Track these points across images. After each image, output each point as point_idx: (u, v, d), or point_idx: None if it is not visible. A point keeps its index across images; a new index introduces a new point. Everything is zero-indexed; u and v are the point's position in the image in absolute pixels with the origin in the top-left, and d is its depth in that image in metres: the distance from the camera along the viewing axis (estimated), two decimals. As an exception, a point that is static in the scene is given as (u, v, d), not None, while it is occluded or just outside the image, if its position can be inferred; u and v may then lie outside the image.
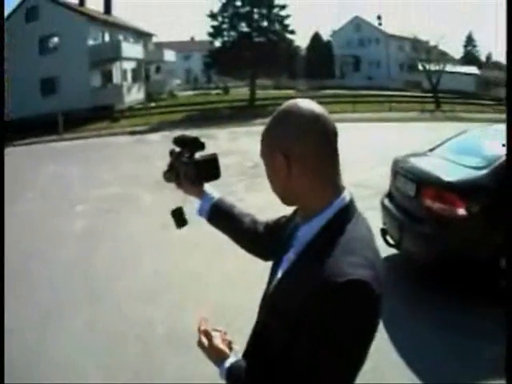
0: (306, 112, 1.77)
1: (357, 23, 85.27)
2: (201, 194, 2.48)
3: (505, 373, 3.47)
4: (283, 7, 45.70)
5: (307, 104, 1.81)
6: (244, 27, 45.59)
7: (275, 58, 41.93)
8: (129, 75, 50.91)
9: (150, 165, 16.25)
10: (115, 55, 45.29)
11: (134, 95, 50.04)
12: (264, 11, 45.08)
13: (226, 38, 46.03)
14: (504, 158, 6.17)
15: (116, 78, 48.01)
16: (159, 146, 19.55)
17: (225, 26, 45.79)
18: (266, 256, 2.41)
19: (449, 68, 53.96)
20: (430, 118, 35.80)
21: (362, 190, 11.07)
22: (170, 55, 60.14)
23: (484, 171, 6.62)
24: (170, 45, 70.69)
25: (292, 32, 46.73)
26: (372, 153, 17.65)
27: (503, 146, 6.14)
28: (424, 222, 6.81)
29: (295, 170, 1.76)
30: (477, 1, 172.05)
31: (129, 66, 50.50)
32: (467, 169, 6.87)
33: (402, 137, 21.64)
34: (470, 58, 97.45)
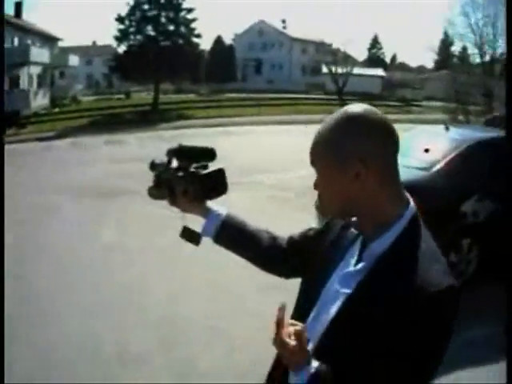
0: (377, 119, 1.71)
1: (260, 27, 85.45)
2: (204, 212, 2.23)
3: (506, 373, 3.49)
4: (190, 10, 45.63)
5: (372, 110, 1.74)
6: (150, 31, 45.28)
7: (179, 62, 41.70)
8: (35, 80, 49.63)
9: (68, 172, 15.60)
10: (23, 60, 43.99)
11: (40, 101, 48.73)
12: (171, 15, 44.84)
13: (132, 42, 45.56)
14: (445, 161, 6.62)
15: (23, 83, 46.71)
16: (67, 153, 19.32)
17: (132, 29, 45.35)
18: (287, 273, 2.34)
19: (355, 70, 54.91)
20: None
21: (286, 193, 11.08)
22: (73, 60, 59.15)
23: (429, 172, 6.85)
24: (74, 49, 69.09)
25: (198, 36, 46.68)
26: (285, 156, 17.49)
27: (426, 151, 6.41)
28: None
29: (370, 181, 1.68)
30: (382, 2, 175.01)
31: (35, 70, 49.19)
32: (410, 169, 6.94)
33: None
34: (375, 59, 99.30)
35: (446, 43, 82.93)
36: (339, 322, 1.75)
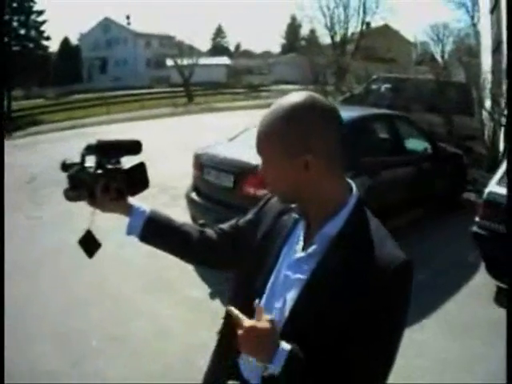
0: (321, 106, 1.73)
1: (105, 24, 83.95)
2: (128, 209, 2.13)
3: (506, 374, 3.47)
4: (41, 13, 44.21)
5: (316, 97, 1.76)
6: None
7: (29, 67, 40.21)
8: None
9: None
10: None
11: None
12: (22, 18, 43.00)
13: None
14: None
15: None
16: None
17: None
18: (219, 266, 2.37)
19: (200, 61, 54.97)
20: (184, 111, 36.06)
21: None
22: None
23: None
24: None
25: (47, 38, 45.40)
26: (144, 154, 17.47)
27: None
28: (247, 211, 6.34)
29: (318, 168, 1.72)
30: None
31: None
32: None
33: (162, 134, 21.61)
34: (219, 48, 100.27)
35: (294, 27, 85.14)
36: (301, 309, 1.75)
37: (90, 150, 2.02)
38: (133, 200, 2.14)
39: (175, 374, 5.11)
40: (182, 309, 6.52)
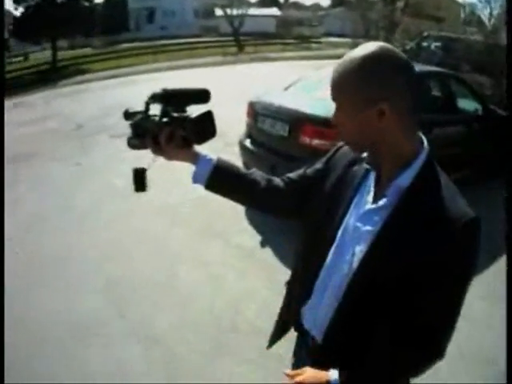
0: (400, 59, 1.74)
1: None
2: (194, 158, 2.11)
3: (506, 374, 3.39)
4: None
5: (395, 50, 1.77)
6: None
7: (74, 18, 40.17)
8: None
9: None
10: None
11: None
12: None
13: (29, 3, 42.88)
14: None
15: None
16: None
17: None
18: (286, 214, 2.35)
19: (250, 11, 54.47)
20: (234, 60, 35.87)
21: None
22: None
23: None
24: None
25: None
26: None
27: None
28: (301, 160, 6.33)
29: (392, 118, 1.72)
30: None
31: None
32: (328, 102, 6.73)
33: (212, 82, 21.53)
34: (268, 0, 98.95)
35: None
36: (370, 261, 1.79)
37: (155, 98, 2.01)
38: (198, 148, 2.12)
39: (223, 322, 5.14)
40: (231, 257, 6.56)
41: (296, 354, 2.35)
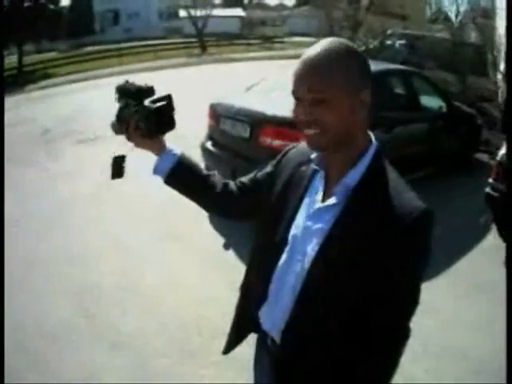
0: (358, 51, 1.80)
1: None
2: (158, 149, 2.17)
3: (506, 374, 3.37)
4: None
5: (351, 43, 1.82)
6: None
7: (40, 21, 39.87)
8: None
9: None
10: None
11: None
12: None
13: None
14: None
15: None
16: None
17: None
18: (239, 217, 2.47)
19: (214, 12, 54.55)
20: (197, 61, 36.01)
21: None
22: None
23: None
24: None
25: None
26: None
27: None
28: (262, 161, 6.39)
29: (363, 111, 1.77)
30: None
31: None
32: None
33: (176, 84, 21.54)
34: (232, 0, 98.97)
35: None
36: (324, 258, 1.77)
37: (120, 92, 2.14)
38: (166, 141, 2.19)
39: (188, 326, 5.15)
40: (195, 260, 6.54)
41: (257, 354, 2.36)
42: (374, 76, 5.70)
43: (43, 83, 28.56)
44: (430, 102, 9.25)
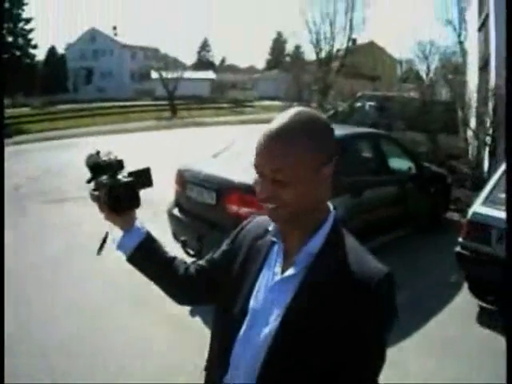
0: (324, 119, 1.76)
1: (92, 35, 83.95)
2: (124, 225, 2.10)
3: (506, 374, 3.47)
4: (28, 21, 43.84)
5: (315, 111, 1.79)
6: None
7: (16, 75, 39.91)
8: None
9: None
10: None
11: None
12: (10, 25, 42.67)
13: None
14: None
15: None
16: None
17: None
18: (196, 302, 2.48)
19: (185, 74, 55.05)
20: (167, 125, 36.13)
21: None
22: None
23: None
24: None
25: (35, 47, 45.08)
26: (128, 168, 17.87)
27: None
28: (228, 229, 6.34)
29: (328, 181, 1.75)
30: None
31: None
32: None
33: (145, 147, 21.67)
34: (204, 62, 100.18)
35: (279, 42, 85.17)
36: (286, 331, 1.70)
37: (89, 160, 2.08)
38: (133, 215, 2.13)
39: None
40: (162, 326, 6.43)
41: None
42: (343, 140, 5.82)
43: (16, 138, 28.45)
44: (399, 163, 9.31)
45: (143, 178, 2.15)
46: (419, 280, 7.60)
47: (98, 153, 2.07)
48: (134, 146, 21.34)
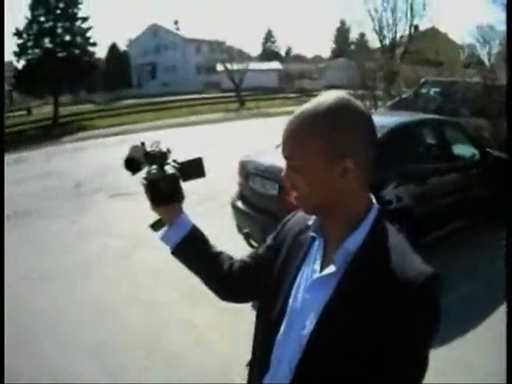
0: (359, 109, 1.61)
1: (154, 30, 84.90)
2: (170, 217, 2.03)
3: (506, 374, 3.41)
4: (85, 19, 44.44)
5: (351, 99, 1.63)
6: (48, 43, 43.05)
7: (76, 73, 40.62)
8: None
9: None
10: None
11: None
12: (67, 25, 43.49)
13: (30, 56, 43.19)
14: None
15: None
16: None
17: (29, 43, 43.08)
18: (240, 300, 2.24)
19: (251, 66, 55.05)
20: (235, 116, 36.27)
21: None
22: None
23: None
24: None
25: (94, 44, 45.61)
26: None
27: None
28: None
29: (354, 176, 1.60)
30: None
31: None
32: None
33: (212, 139, 21.79)
34: (270, 53, 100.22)
35: (343, 31, 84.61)
36: (322, 334, 1.63)
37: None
38: (178, 207, 2.06)
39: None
40: (219, 319, 6.38)
41: None
42: (404, 127, 5.78)
43: (79, 135, 28.94)
44: (464, 150, 9.12)
45: (194, 168, 2.09)
46: (483, 271, 7.40)
47: (142, 144, 2.01)
48: (201, 139, 21.44)
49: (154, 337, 6.03)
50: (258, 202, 7.48)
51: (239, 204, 7.88)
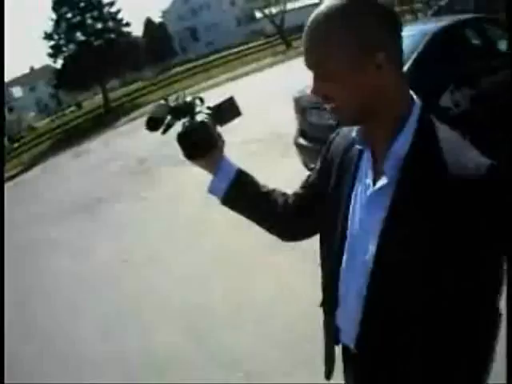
0: (380, 3, 1.43)
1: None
2: (211, 168, 1.94)
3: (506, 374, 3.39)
4: (112, 4, 44.81)
5: None
6: (80, 36, 43.85)
7: (117, 56, 41.03)
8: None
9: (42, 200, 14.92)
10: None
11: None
12: (96, 14, 43.94)
13: (66, 54, 44.09)
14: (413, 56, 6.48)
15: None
16: (40, 180, 19.26)
17: (62, 42, 43.93)
18: (300, 236, 2.10)
19: (289, 6, 54.20)
20: (284, 58, 35.57)
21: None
22: (17, 91, 58.39)
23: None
24: (14, 81, 68.24)
25: (127, 24, 45.88)
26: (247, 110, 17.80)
27: None
28: None
29: (389, 72, 1.45)
30: None
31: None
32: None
33: (267, 84, 21.76)
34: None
35: None
36: (387, 254, 1.50)
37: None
38: (219, 155, 1.93)
39: (299, 334, 4.78)
40: (300, 263, 6.03)
41: (344, 367, 2.03)
42: (446, 31, 6.62)
43: (132, 115, 29.16)
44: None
45: (227, 109, 1.94)
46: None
47: (165, 100, 1.89)
48: (255, 86, 21.74)
49: (238, 291, 6.03)
50: (319, 135, 7.17)
51: (301, 140, 7.80)
